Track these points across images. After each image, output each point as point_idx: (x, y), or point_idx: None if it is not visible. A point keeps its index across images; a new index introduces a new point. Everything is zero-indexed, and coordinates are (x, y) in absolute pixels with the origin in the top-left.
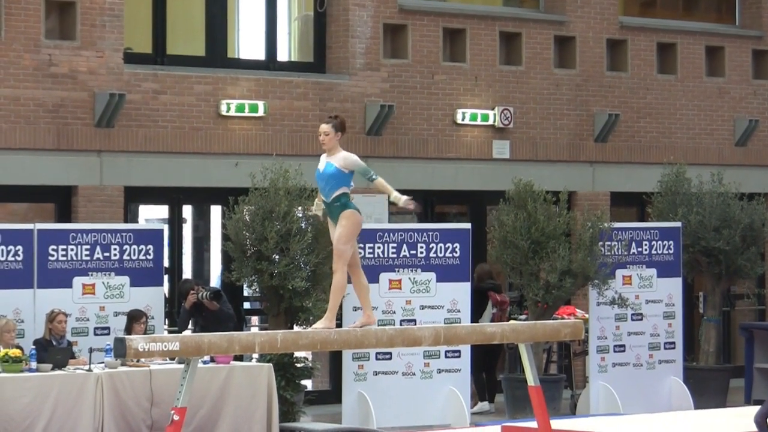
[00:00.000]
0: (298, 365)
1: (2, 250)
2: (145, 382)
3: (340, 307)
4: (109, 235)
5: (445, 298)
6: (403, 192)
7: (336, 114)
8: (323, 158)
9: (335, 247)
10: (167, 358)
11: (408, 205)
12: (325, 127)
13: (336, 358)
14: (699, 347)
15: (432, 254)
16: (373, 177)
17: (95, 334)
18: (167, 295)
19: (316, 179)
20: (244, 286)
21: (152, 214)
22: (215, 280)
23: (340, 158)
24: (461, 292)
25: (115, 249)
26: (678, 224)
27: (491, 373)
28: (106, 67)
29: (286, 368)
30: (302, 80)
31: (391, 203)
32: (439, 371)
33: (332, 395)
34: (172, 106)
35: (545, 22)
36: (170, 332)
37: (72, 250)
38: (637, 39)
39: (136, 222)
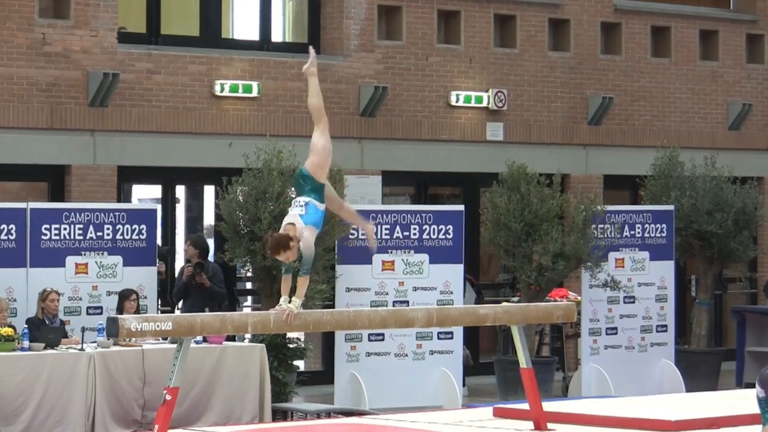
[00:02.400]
0: (291, 346)
1: None
2: (137, 362)
3: (333, 288)
4: (102, 214)
5: (437, 279)
6: (395, 174)
7: (265, 239)
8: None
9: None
10: (160, 338)
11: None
12: (282, 256)
13: (329, 339)
14: (691, 330)
15: (425, 236)
16: (306, 271)
17: (88, 314)
18: (163, 274)
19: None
20: (238, 266)
21: (145, 194)
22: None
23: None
24: (454, 274)
25: (108, 228)
26: (671, 207)
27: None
28: (100, 47)
29: (278, 349)
30: (296, 61)
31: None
32: (432, 353)
33: (325, 376)
34: (166, 86)
35: (540, 4)
36: (163, 312)
37: (65, 229)
38: (631, 22)
39: (130, 201)
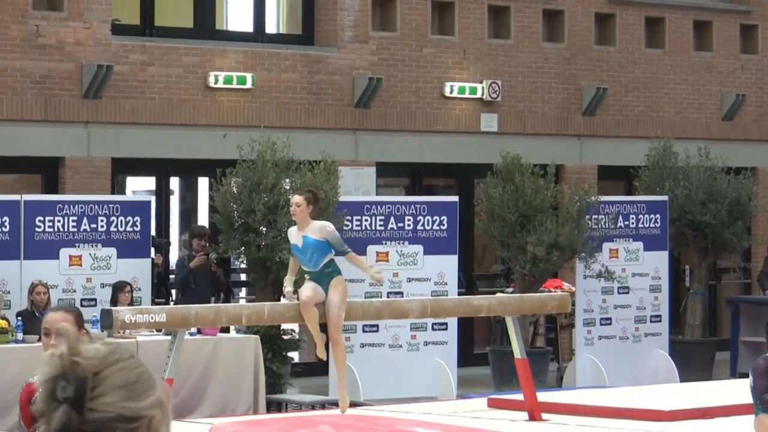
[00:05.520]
0: (285, 337)
1: None
2: None
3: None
4: (96, 206)
5: (432, 270)
6: (390, 165)
7: (309, 188)
8: (295, 233)
9: (333, 314)
10: (154, 330)
11: (377, 279)
12: (297, 199)
13: (323, 331)
14: (685, 321)
15: (419, 227)
16: (347, 250)
17: (82, 306)
18: (159, 265)
19: (295, 253)
20: (232, 258)
21: (139, 186)
22: None
23: (315, 230)
24: (449, 265)
25: (102, 220)
26: (665, 198)
27: None
28: (93, 39)
29: (273, 340)
30: (290, 52)
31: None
32: (426, 344)
33: (319, 367)
34: (160, 77)
35: None
36: (157, 304)
37: (59, 221)
38: (625, 13)
39: (124, 193)
